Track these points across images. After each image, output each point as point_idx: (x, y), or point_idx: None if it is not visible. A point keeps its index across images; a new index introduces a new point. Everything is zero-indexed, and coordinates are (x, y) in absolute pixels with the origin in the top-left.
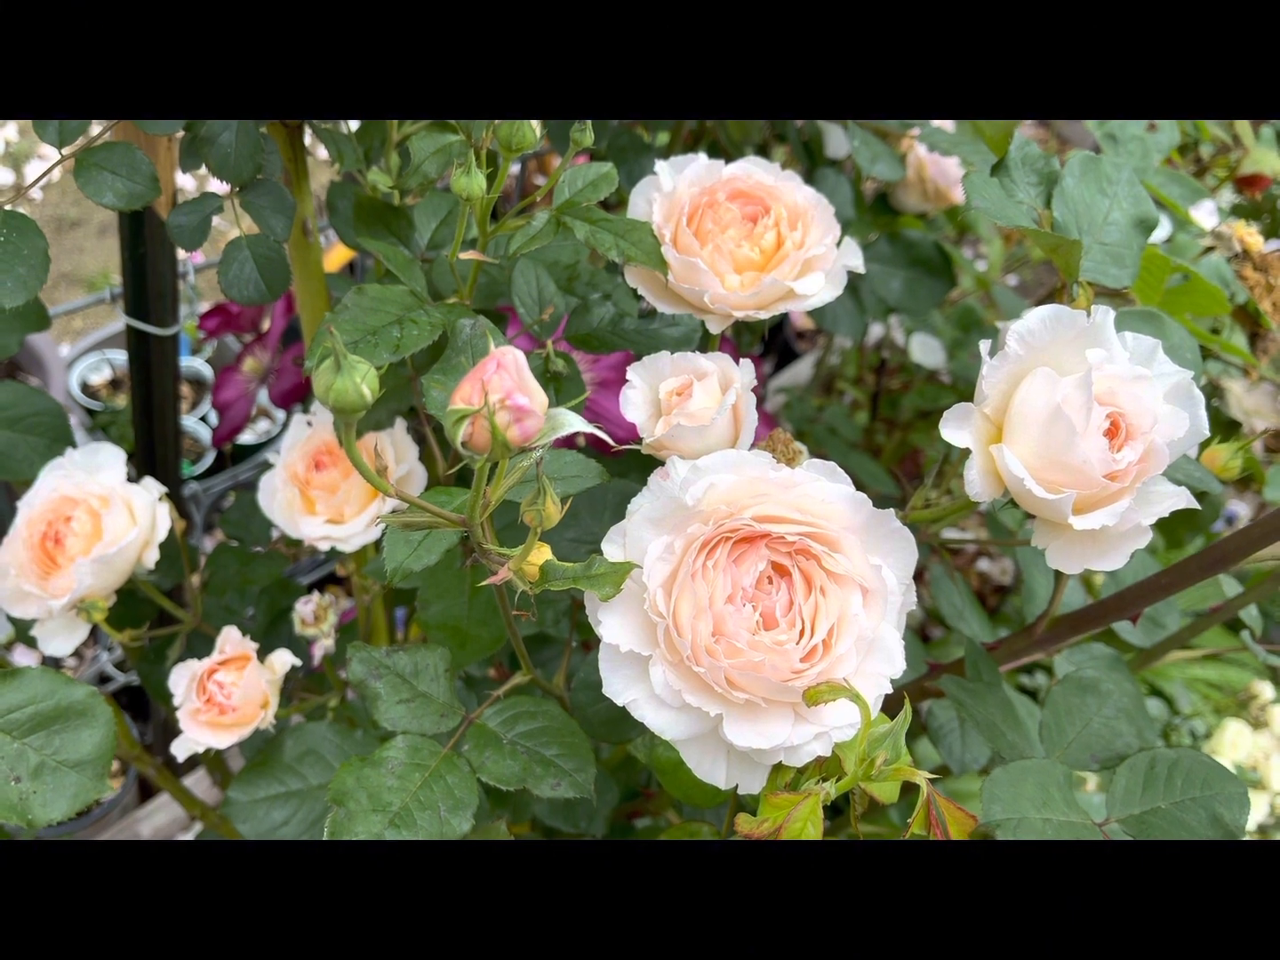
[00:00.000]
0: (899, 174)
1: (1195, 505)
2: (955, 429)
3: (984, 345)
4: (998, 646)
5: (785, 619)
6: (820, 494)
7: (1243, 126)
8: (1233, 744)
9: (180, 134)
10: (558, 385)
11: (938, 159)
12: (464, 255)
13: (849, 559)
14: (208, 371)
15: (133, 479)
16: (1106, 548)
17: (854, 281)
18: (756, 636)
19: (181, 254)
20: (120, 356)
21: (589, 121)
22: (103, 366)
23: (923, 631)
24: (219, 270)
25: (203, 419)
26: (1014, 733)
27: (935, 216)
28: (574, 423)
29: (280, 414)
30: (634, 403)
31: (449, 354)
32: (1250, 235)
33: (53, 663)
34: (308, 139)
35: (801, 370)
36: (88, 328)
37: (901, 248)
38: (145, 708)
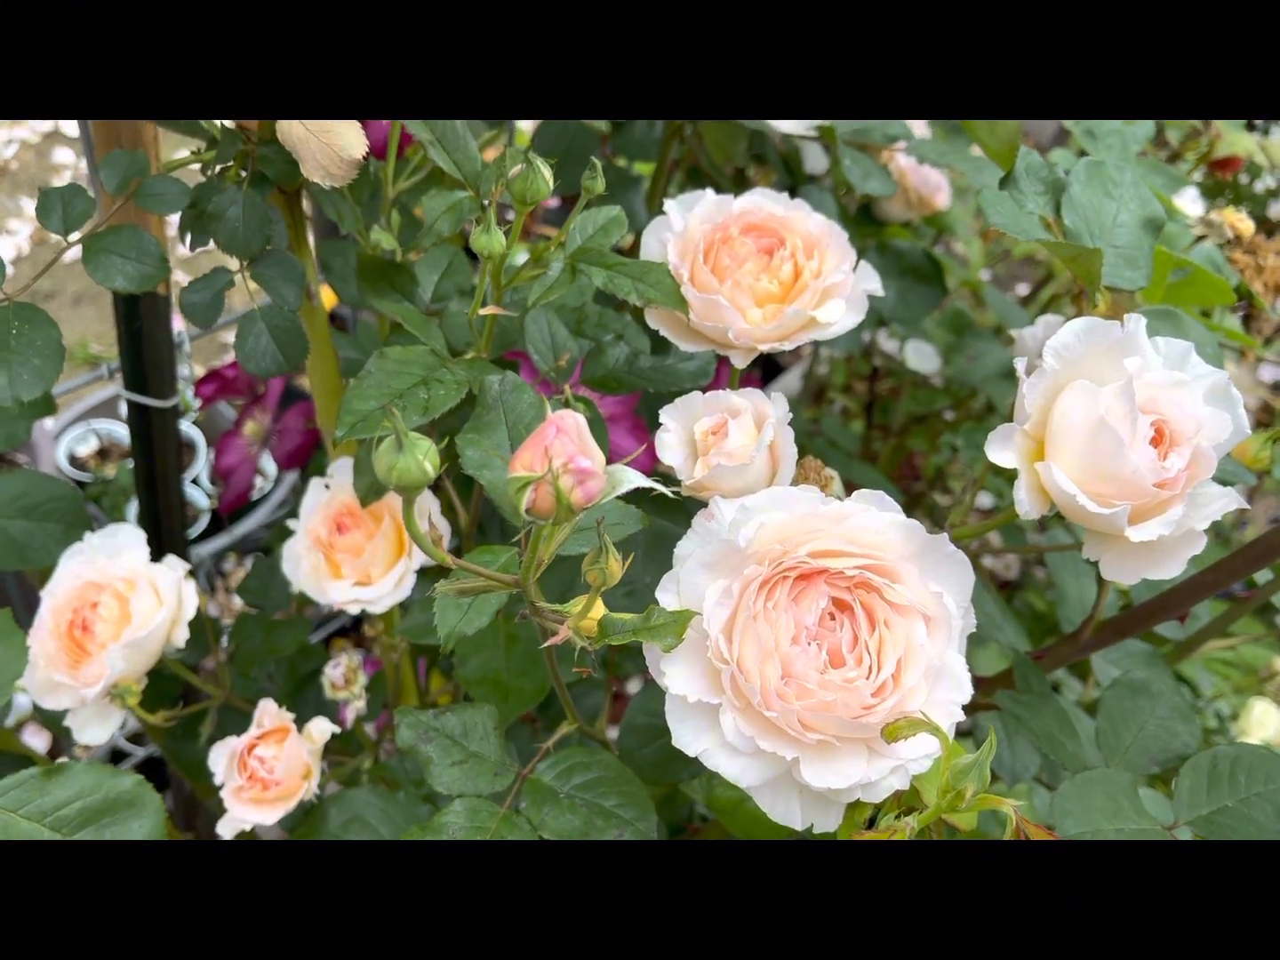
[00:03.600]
0: (891, 189)
1: (1245, 505)
2: (1000, 450)
3: (1019, 363)
4: (1043, 655)
5: (852, 655)
6: (873, 524)
7: None
8: (1260, 723)
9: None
10: None
11: (918, 167)
12: (484, 311)
13: (909, 588)
14: (197, 435)
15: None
16: (1162, 556)
17: None
18: (826, 675)
19: (177, 324)
20: (105, 426)
21: (599, 165)
22: (89, 437)
23: None
24: (235, 345)
25: (194, 481)
26: (1073, 742)
27: (919, 224)
28: (633, 478)
29: (273, 469)
30: (669, 445)
31: (479, 412)
32: (1241, 221)
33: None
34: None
35: (790, 382)
36: (70, 399)
37: (891, 258)
38: (163, 780)
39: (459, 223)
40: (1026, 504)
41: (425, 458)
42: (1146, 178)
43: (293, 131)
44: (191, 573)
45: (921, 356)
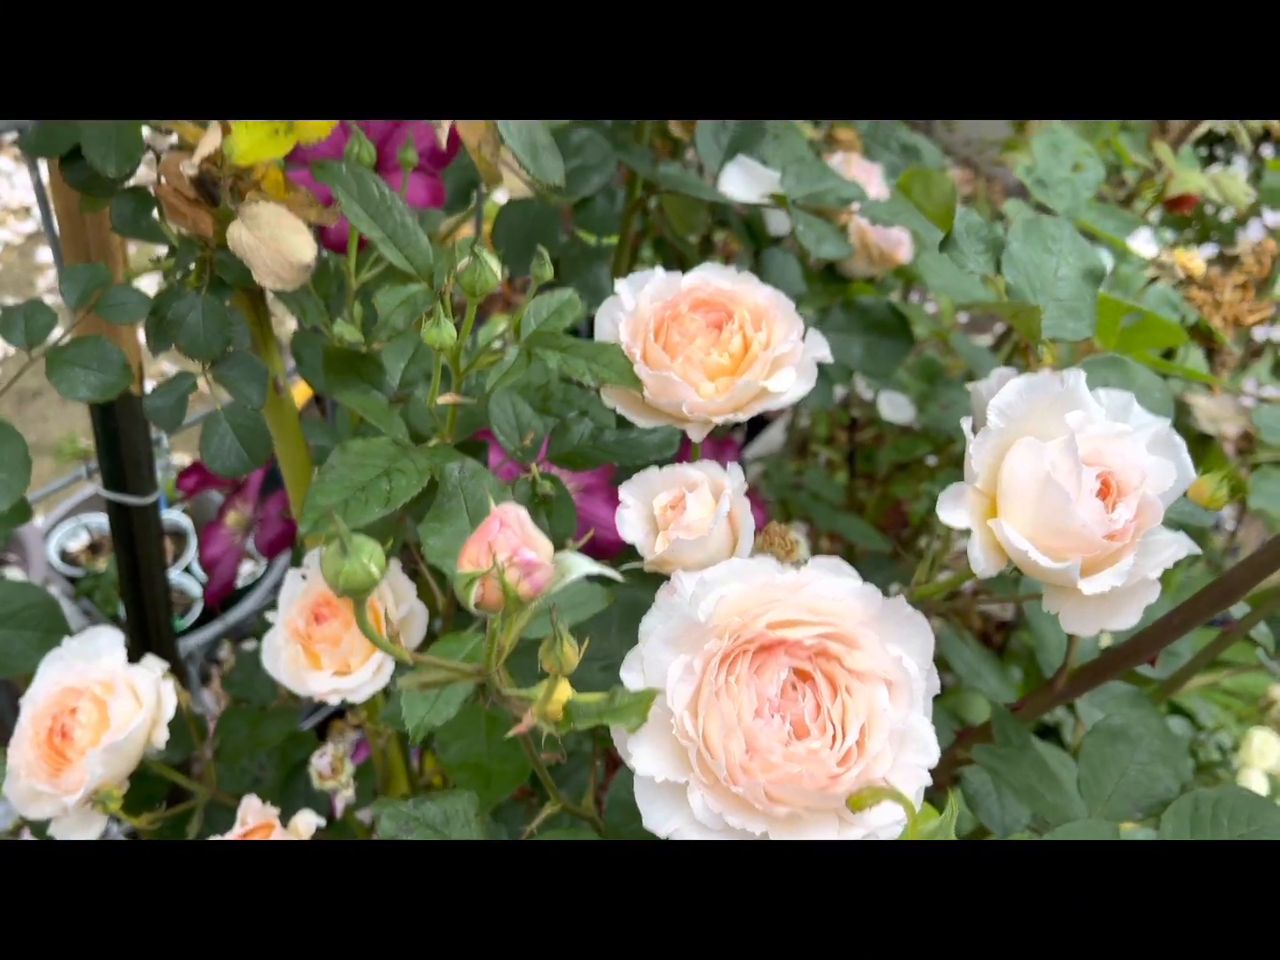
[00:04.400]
0: (846, 251)
1: (1196, 550)
2: (952, 510)
3: (965, 423)
4: (1021, 706)
5: (815, 724)
6: (829, 592)
7: (1163, 150)
8: (1260, 752)
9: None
10: (548, 508)
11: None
12: (442, 400)
13: (869, 655)
14: (187, 523)
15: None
16: (1118, 606)
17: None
18: (790, 747)
19: None
20: (96, 519)
21: (546, 253)
22: (80, 532)
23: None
24: (200, 445)
25: (186, 569)
26: (1054, 793)
27: (884, 277)
28: (582, 565)
29: None
30: (630, 522)
31: (440, 500)
32: (1191, 261)
33: None
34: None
35: (774, 436)
36: (59, 495)
37: (856, 314)
38: None
39: (414, 315)
40: (982, 562)
41: (370, 560)
42: (1099, 221)
43: (243, 239)
44: (175, 670)
45: (895, 407)
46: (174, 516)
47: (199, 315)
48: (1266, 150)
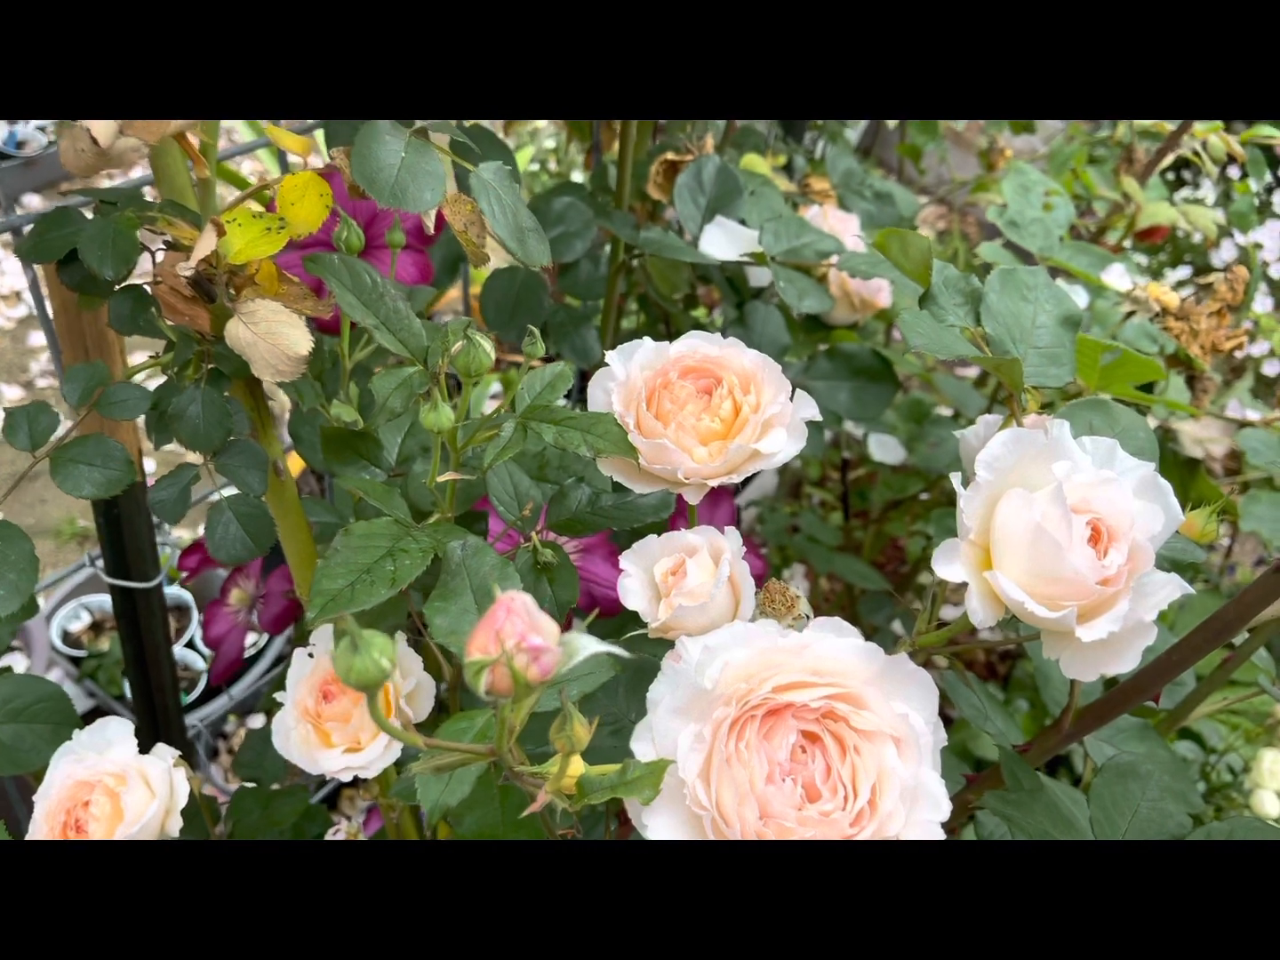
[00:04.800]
0: (827, 305)
1: (1190, 590)
2: (947, 565)
3: (955, 479)
4: (1029, 748)
5: (826, 786)
6: (832, 653)
7: (1130, 184)
8: (1272, 773)
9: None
10: (550, 575)
11: None
12: (442, 478)
13: (875, 713)
14: (188, 597)
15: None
16: (1117, 651)
17: None
18: (803, 812)
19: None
20: (97, 599)
21: (536, 331)
22: (81, 613)
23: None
24: (205, 534)
25: (189, 644)
26: (1068, 837)
27: (866, 323)
28: (589, 645)
29: None
30: (632, 590)
31: (445, 578)
32: (1165, 294)
33: None
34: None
35: (767, 480)
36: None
37: (841, 361)
38: None
39: (410, 398)
40: (981, 613)
41: (381, 655)
42: (1073, 259)
43: (241, 336)
44: (183, 749)
45: (885, 449)
46: (175, 591)
47: (199, 408)
48: (1233, 171)
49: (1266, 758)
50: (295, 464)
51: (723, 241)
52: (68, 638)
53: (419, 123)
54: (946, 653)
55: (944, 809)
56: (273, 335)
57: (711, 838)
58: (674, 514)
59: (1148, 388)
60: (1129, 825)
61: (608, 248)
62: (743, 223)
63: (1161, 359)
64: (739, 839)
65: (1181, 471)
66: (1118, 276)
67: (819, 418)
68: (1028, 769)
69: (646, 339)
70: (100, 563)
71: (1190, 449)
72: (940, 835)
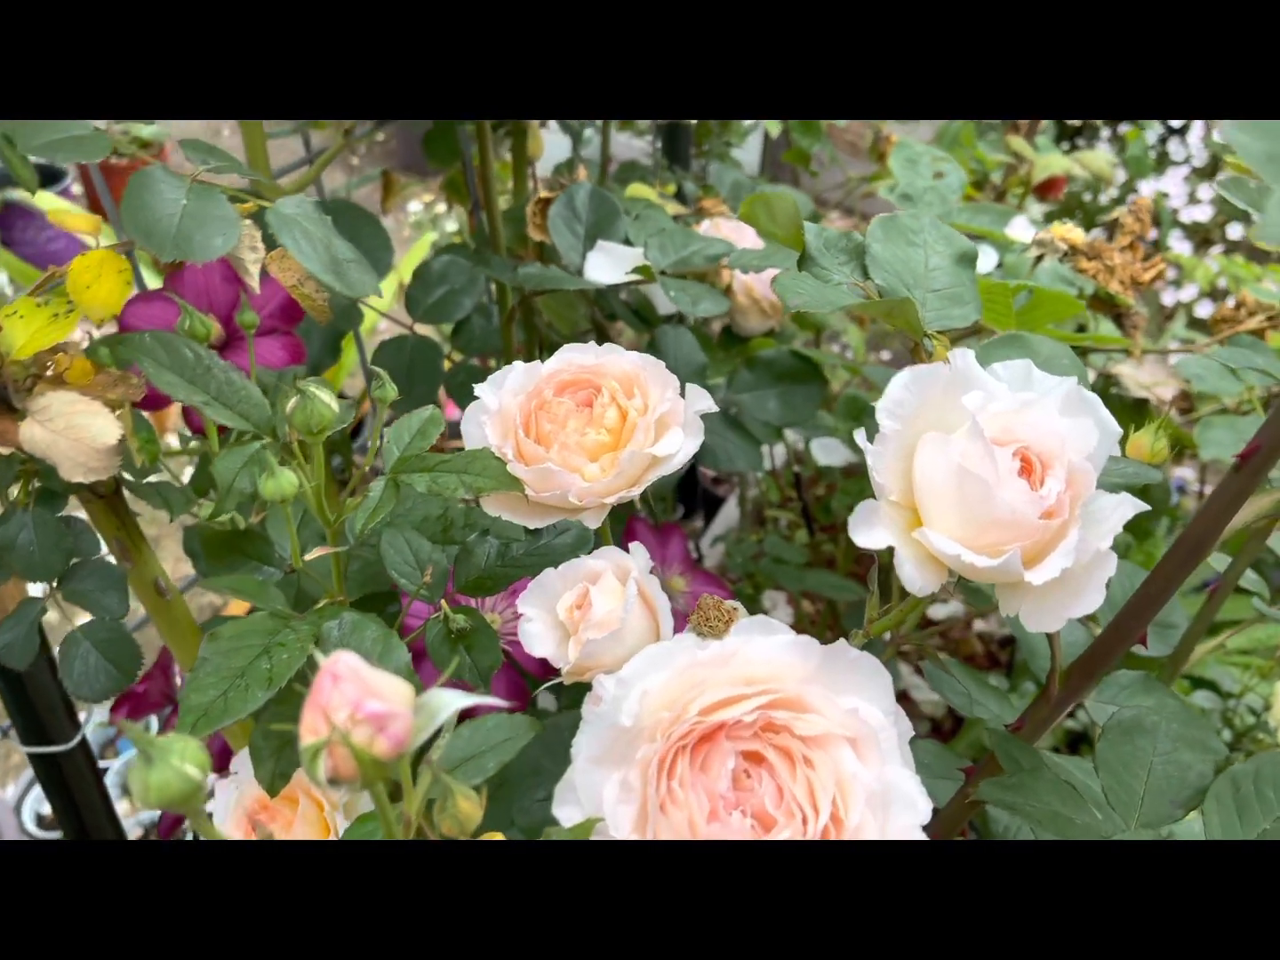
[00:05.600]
0: (723, 306)
1: (1144, 507)
2: (866, 531)
3: (859, 435)
4: (1021, 724)
5: (781, 811)
6: (761, 655)
7: (1019, 143)
8: None
9: None
10: (467, 642)
11: (761, 279)
12: (309, 557)
13: (820, 714)
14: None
15: None
16: (1077, 589)
17: (735, 416)
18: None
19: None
20: None
21: (385, 375)
22: None
23: (938, 726)
24: (62, 673)
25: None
26: (1080, 813)
27: (783, 328)
28: (452, 701)
29: None
30: (536, 635)
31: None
32: (1069, 232)
33: None
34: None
35: (730, 513)
36: (22, 761)
37: (762, 369)
38: None
39: (284, 498)
40: (918, 579)
41: (184, 761)
42: (974, 219)
43: (36, 436)
44: None
45: (828, 451)
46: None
47: (30, 534)
48: (1124, 128)
49: None
50: None
51: (607, 265)
52: (42, 821)
53: (201, 169)
54: (921, 641)
55: (922, 809)
56: (73, 430)
57: None
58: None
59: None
60: (1145, 788)
61: None
62: (628, 243)
63: (1084, 303)
64: None
65: (1130, 414)
66: (1022, 229)
67: (713, 407)
68: (1023, 746)
69: (517, 363)
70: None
71: (1135, 391)
72: (921, 837)
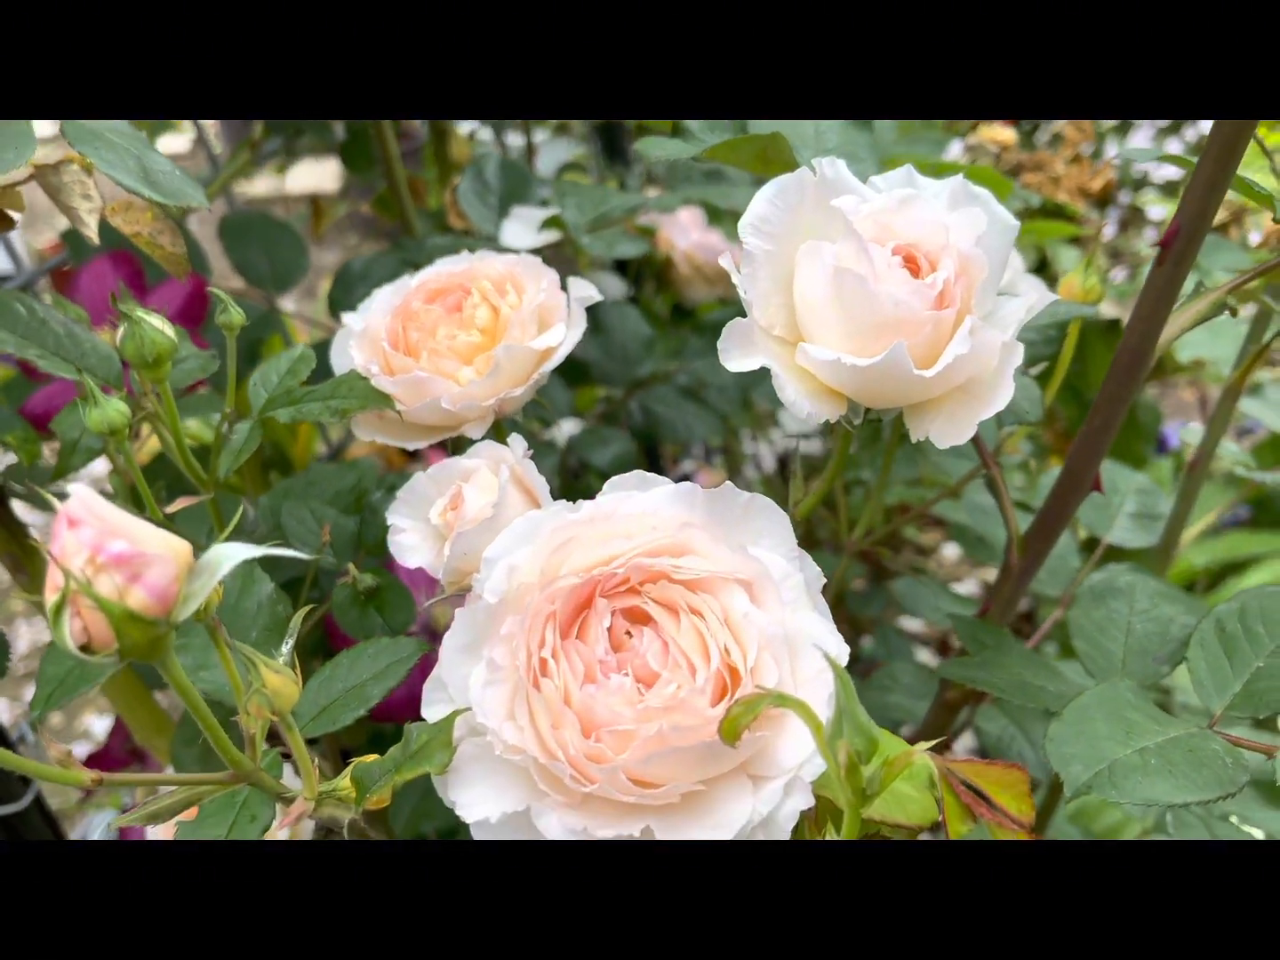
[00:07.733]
0: (641, 248)
1: (1051, 296)
2: (741, 355)
3: (725, 260)
4: (988, 607)
5: (666, 667)
6: (638, 508)
7: None
8: None
9: None
10: (377, 602)
11: (701, 245)
12: (170, 509)
13: (703, 557)
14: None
15: None
16: (985, 388)
17: (694, 390)
18: (642, 705)
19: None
20: None
21: (228, 299)
22: None
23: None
24: None
25: None
26: (1053, 681)
27: (729, 293)
28: (237, 553)
29: None
30: (410, 546)
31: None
32: (998, 132)
33: None
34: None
35: None
36: None
37: (710, 334)
38: None
39: (114, 429)
40: (806, 405)
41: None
42: (911, 149)
43: None
44: None
45: (796, 419)
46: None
47: None
48: None
49: None
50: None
51: (523, 230)
52: None
53: None
54: (865, 544)
55: (834, 651)
56: None
57: (541, 787)
58: None
59: (1040, 270)
60: (1125, 649)
61: None
62: (545, 204)
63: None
64: (568, 773)
65: (1107, 335)
66: (960, 153)
67: (597, 296)
68: (988, 627)
69: (387, 285)
70: None
71: (1106, 312)
72: (830, 688)
